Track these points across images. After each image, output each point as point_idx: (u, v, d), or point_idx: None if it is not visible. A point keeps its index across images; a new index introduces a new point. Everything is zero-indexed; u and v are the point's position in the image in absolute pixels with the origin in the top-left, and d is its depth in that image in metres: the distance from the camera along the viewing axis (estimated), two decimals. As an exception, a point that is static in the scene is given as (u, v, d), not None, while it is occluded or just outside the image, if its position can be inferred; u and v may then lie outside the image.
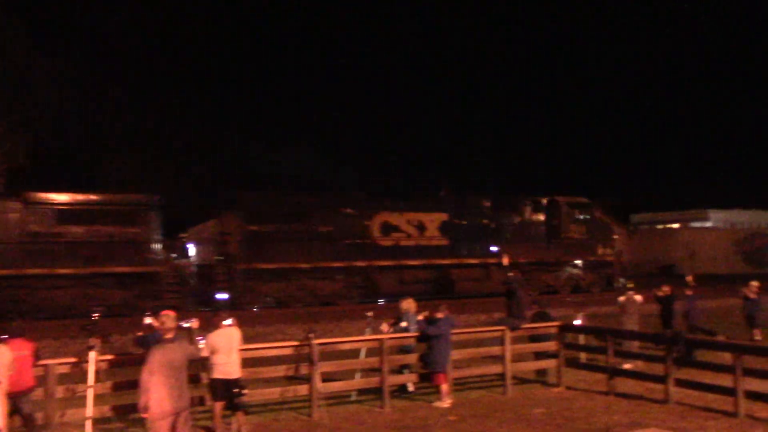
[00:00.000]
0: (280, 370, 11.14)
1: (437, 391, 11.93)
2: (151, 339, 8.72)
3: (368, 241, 29.49)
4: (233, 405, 9.85)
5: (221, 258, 27.81)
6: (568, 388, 12.92)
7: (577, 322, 15.41)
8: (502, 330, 12.84)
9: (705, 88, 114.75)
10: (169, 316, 8.12)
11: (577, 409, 11.37)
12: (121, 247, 25.06)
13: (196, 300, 27.15)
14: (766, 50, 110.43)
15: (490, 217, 32.50)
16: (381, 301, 28.44)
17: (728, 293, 26.71)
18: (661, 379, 11.78)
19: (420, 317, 12.70)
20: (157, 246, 26.21)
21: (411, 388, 12.65)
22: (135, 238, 25.39)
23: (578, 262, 34.19)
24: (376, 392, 11.71)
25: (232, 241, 27.61)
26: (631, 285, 16.70)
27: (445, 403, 11.68)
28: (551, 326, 13.60)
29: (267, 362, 11.48)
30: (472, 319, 20.74)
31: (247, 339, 12.08)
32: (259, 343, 14.37)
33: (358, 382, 12.03)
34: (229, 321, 10.12)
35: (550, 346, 13.45)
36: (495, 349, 12.92)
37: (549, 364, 13.50)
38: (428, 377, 12.09)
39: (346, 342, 12.44)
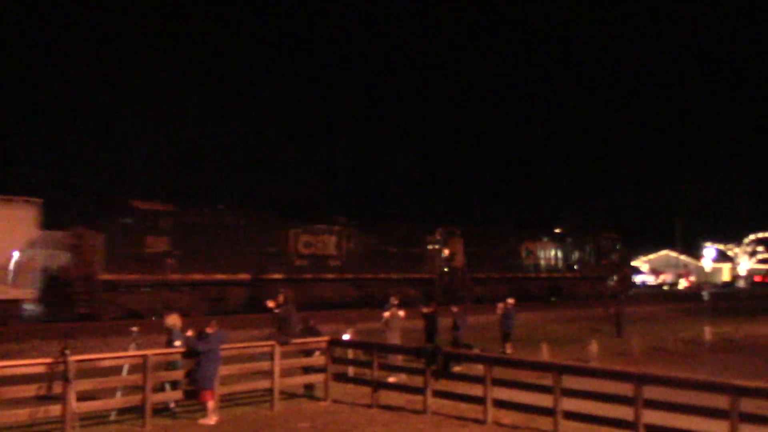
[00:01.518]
0: (31, 390, 10.33)
1: (203, 408, 11.69)
2: None
3: (518, 260, 43.78)
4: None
5: (449, 269, 39.27)
6: (335, 401, 13.22)
7: (346, 337, 15.85)
8: (271, 345, 12.88)
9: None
10: None
11: (342, 422, 11.68)
12: (416, 260, 37.23)
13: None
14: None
15: (572, 246, 48.30)
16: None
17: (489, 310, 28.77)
18: (421, 391, 12.45)
19: (189, 333, 12.38)
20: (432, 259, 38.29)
21: (171, 405, 12.26)
22: (422, 254, 37.83)
23: (615, 277, 50.42)
24: (138, 411, 11.24)
25: (458, 258, 39.46)
26: (395, 301, 17.42)
27: (211, 420, 11.47)
28: (320, 341, 13.88)
29: (15, 381, 10.57)
30: (244, 335, 20.57)
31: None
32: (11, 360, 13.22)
33: (118, 400, 11.46)
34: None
35: (319, 360, 13.71)
36: (264, 365, 12.93)
37: (317, 378, 13.74)
38: (195, 394, 11.81)
39: (106, 358, 11.81)
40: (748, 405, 9.48)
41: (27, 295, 23.83)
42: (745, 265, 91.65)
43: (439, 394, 12.41)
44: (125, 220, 27.04)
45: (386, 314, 16.76)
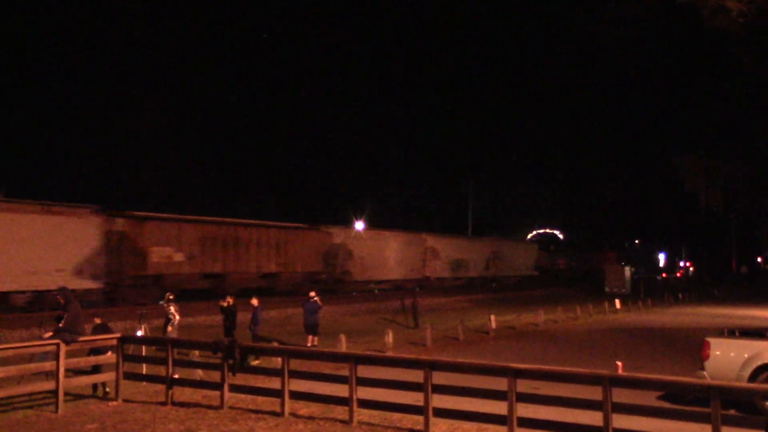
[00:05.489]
0: None
1: (-25, 415, 10.75)
2: None
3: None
4: None
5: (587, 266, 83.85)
6: (126, 401, 12.65)
7: (140, 333, 15.24)
8: (56, 344, 12.06)
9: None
10: None
11: (133, 422, 11.20)
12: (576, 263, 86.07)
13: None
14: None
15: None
16: None
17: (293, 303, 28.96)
18: (218, 386, 12.24)
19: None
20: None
21: None
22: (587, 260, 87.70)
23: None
24: None
25: (596, 262, 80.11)
26: (171, 296, 16.98)
27: (-16, 426, 10.58)
28: (110, 338, 13.22)
29: None
30: (26, 334, 19.14)
31: None
32: None
33: None
34: None
35: (109, 358, 13.05)
36: (47, 365, 12.10)
37: (107, 377, 13.06)
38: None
39: None
40: (524, 386, 10.26)
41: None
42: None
43: (237, 388, 12.28)
44: (546, 248, 79.53)
45: (170, 308, 16.14)
